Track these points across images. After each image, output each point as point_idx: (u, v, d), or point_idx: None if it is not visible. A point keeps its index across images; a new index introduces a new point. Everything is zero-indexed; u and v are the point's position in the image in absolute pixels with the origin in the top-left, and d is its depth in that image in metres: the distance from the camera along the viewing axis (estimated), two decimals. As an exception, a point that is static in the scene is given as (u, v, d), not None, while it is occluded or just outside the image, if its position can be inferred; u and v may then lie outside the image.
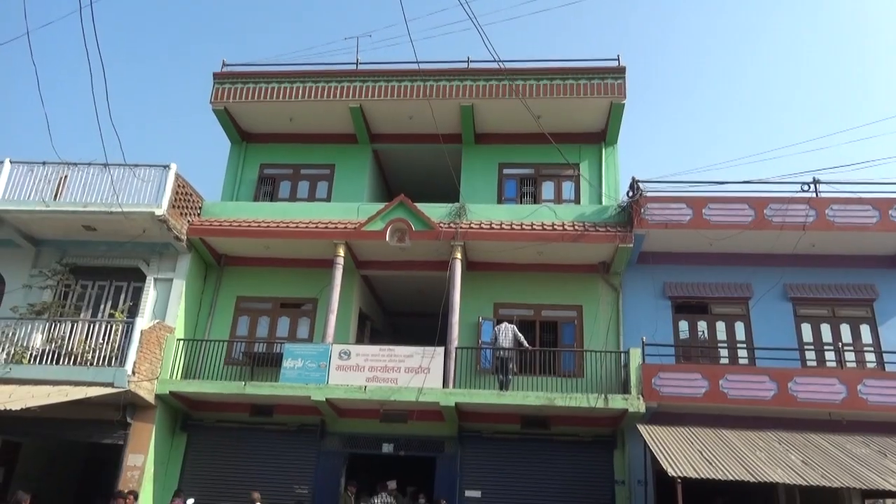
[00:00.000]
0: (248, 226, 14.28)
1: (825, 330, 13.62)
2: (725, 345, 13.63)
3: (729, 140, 48.59)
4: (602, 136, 15.94)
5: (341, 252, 13.95)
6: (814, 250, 13.67)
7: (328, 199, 16.17)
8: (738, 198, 13.42)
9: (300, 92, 15.82)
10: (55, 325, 13.19)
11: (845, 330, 13.57)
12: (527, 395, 12.35)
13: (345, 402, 12.88)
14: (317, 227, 14.11)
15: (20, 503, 10.48)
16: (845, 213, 13.04)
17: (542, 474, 12.87)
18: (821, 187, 13.34)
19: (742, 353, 13.51)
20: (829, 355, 13.28)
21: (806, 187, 13.31)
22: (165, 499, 12.63)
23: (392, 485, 12.70)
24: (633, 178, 13.70)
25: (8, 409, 10.66)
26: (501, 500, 12.63)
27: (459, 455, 13.15)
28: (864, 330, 13.54)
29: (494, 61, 10.94)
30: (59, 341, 12.90)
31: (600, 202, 15.05)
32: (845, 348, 12.95)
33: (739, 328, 13.73)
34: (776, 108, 49.24)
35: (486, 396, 12.38)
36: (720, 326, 13.82)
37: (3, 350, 12.94)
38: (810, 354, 13.33)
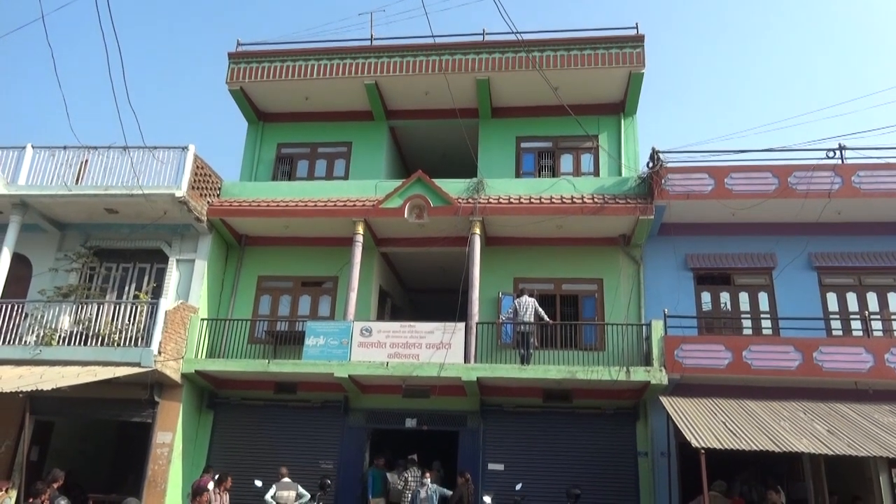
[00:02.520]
0: (267, 206, 14.34)
1: (851, 299, 13.40)
2: (749, 316, 13.49)
3: (751, 108, 47.70)
4: (621, 107, 15.70)
5: (360, 230, 13.97)
6: (839, 218, 13.41)
7: (346, 177, 16.16)
8: (761, 166, 13.18)
9: (315, 70, 15.75)
10: (82, 307, 13.42)
11: (872, 298, 13.34)
12: (548, 368, 12.36)
13: (367, 378, 13.00)
14: (335, 206, 14.13)
15: (56, 480, 10.78)
16: (872, 179, 12.75)
17: (564, 447, 12.93)
18: (847, 153, 13.04)
19: (766, 323, 13.37)
20: (855, 324, 13.08)
21: (831, 154, 13.03)
22: (194, 475, 12.90)
23: (414, 458, 12.86)
24: (654, 149, 13.49)
25: (39, 389, 10.92)
26: (524, 472, 12.69)
27: (482, 429, 13.24)
28: (892, 298, 13.29)
29: (510, 33, 10.80)
30: (87, 323, 13.13)
31: (620, 174, 14.88)
32: (872, 317, 12.76)
33: (763, 299, 13.56)
34: (799, 73, 48.16)
35: (507, 371, 12.41)
36: (743, 297, 13.66)
37: (32, 332, 13.21)
38: (836, 324, 13.15)
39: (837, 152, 13.03)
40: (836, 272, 13.49)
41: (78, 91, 43.22)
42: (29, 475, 12.19)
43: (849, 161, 12.99)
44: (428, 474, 12.07)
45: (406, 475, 12.38)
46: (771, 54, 48.87)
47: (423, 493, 11.84)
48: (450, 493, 12.00)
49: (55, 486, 10.65)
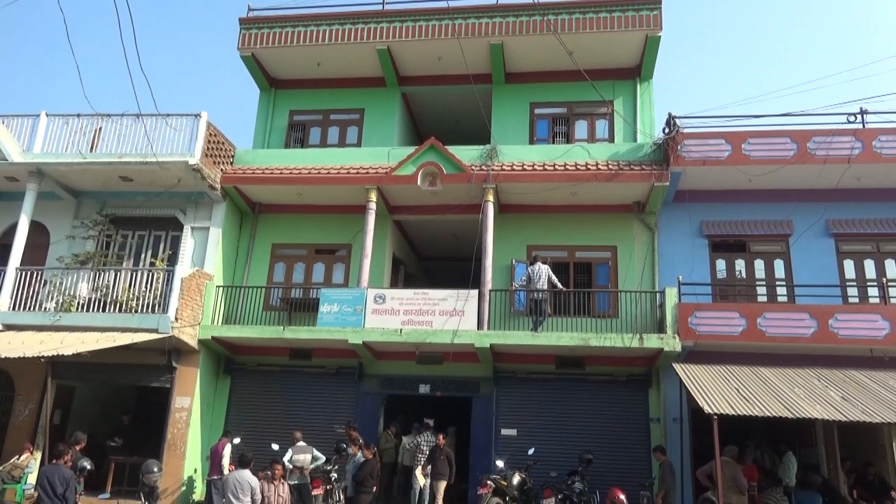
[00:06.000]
0: (280, 173, 14.33)
1: (869, 266, 13.26)
2: (764, 283, 13.40)
3: (769, 72, 46.72)
4: (637, 72, 15.43)
5: (373, 197, 13.96)
6: (858, 184, 13.20)
7: (358, 144, 16.10)
8: (779, 131, 12.95)
9: (327, 35, 15.59)
10: (99, 275, 13.58)
11: (890, 265, 13.19)
12: (561, 335, 12.39)
13: (381, 344, 13.11)
14: (348, 173, 14.10)
15: (79, 442, 11.09)
16: (894, 144, 12.50)
17: (577, 413, 13.04)
18: (868, 118, 12.78)
19: (781, 291, 13.28)
20: (872, 291, 12.96)
21: (852, 118, 12.77)
22: (213, 439, 13.16)
23: (430, 422, 13.02)
24: (670, 114, 13.29)
25: (60, 354, 11.12)
26: (537, 438, 12.84)
27: (495, 395, 13.36)
28: (911, 265, 13.15)
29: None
30: (104, 290, 13.30)
31: (635, 140, 14.69)
32: (889, 284, 12.62)
33: (779, 266, 13.46)
34: (819, 35, 46.99)
35: (520, 338, 12.46)
36: (759, 264, 13.56)
37: (51, 299, 13.41)
38: (852, 291, 13.03)
39: (858, 117, 12.77)
40: (853, 239, 13.34)
41: (89, 57, 43.14)
42: (52, 437, 12.49)
43: (870, 125, 12.73)
44: (356, 448, 11.94)
45: (419, 439, 12.58)
46: (790, 17, 47.69)
47: (348, 465, 11.91)
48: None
49: (78, 447, 10.96)
